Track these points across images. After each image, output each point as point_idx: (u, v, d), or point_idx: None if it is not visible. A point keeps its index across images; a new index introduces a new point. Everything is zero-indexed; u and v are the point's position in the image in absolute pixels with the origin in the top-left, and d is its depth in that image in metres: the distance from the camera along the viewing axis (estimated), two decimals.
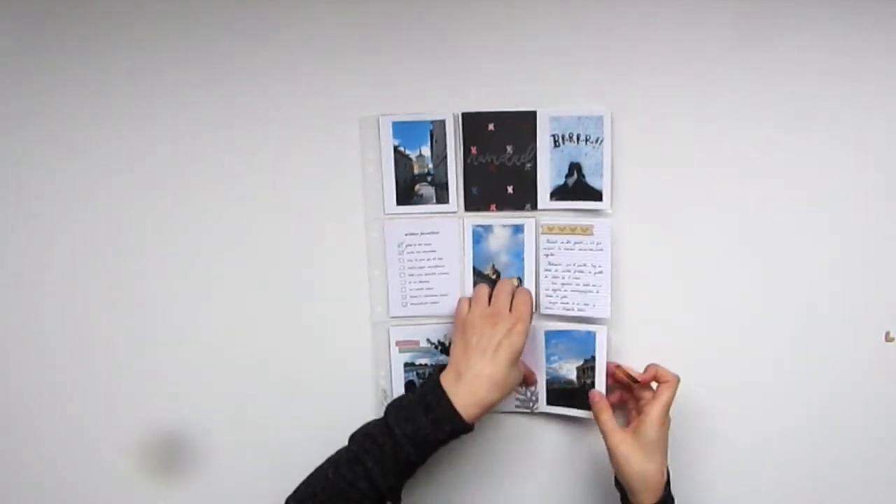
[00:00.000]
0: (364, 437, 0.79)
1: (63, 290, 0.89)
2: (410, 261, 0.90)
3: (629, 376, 0.85)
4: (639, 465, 0.79)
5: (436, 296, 0.90)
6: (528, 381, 0.89)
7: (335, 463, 0.79)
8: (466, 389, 0.77)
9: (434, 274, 0.90)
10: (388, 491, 0.77)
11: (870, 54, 0.85)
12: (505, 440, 0.91)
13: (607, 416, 0.83)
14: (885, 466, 0.90)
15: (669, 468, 0.83)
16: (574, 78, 0.86)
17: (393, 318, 0.90)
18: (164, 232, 0.89)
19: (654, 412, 0.80)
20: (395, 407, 0.80)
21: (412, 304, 0.90)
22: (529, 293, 0.84)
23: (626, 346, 0.89)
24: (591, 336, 0.87)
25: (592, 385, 0.88)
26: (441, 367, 0.82)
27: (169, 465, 0.92)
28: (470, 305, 0.84)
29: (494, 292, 0.84)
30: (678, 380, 0.82)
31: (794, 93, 0.85)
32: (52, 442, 0.91)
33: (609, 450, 0.81)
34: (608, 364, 0.87)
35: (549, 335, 0.89)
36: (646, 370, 0.84)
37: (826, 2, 0.84)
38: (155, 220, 0.89)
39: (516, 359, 0.80)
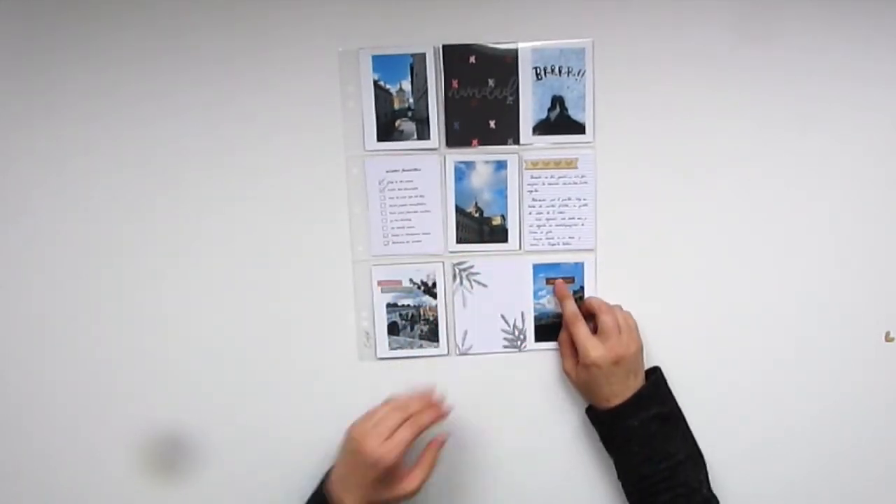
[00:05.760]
0: None
1: (56, 290, 0.87)
2: (392, 198, 0.87)
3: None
4: (586, 395, 0.86)
5: (418, 234, 0.88)
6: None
7: None
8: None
9: (416, 212, 0.87)
10: None
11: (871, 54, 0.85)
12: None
13: (565, 353, 0.87)
14: (885, 466, 0.89)
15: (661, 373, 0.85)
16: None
17: (374, 256, 0.88)
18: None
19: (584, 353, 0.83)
20: None
21: (394, 242, 0.88)
22: (412, 430, 0.77)
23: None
24: (578, 267, 0.87)
25: None
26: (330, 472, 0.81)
27: (163, 446, 0.89)
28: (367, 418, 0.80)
29: (381, 417, 0.78)
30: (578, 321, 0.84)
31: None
32: (46, 440, 0.88)
33: None
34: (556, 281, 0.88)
35: (537, 269, 0.88)
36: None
37: None
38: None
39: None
